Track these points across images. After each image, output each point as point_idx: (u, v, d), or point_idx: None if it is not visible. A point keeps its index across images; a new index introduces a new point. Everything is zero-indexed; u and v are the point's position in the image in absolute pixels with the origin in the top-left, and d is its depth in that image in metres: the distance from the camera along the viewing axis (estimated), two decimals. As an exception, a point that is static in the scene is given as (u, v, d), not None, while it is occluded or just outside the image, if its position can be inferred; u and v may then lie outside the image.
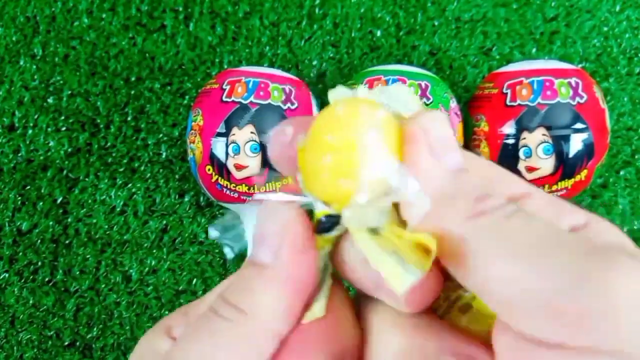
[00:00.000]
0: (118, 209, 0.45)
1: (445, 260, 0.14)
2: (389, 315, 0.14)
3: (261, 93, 0.38)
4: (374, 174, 0.14)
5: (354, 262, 0.15)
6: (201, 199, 0.45)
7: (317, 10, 0.47)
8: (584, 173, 0.38)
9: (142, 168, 0.45)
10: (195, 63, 0.47)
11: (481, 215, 0.13)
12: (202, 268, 0.45)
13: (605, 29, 0.47)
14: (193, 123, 0.40)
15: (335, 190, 0.14)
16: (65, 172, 0.45)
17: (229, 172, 0.38)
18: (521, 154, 0.38)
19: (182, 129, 0.46)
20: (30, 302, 0.44)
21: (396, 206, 0.15)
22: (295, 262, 0.14)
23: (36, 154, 0.46)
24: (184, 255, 0.45)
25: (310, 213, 0.15)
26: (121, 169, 0.45)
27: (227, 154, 0.38)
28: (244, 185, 0.38)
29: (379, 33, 0.47)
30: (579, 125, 0.37)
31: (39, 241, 0.45)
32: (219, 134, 0.38)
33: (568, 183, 0.38)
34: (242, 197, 0.39)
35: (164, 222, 0.45)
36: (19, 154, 0.46)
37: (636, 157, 0.45)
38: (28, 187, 0.45)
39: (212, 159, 0.38)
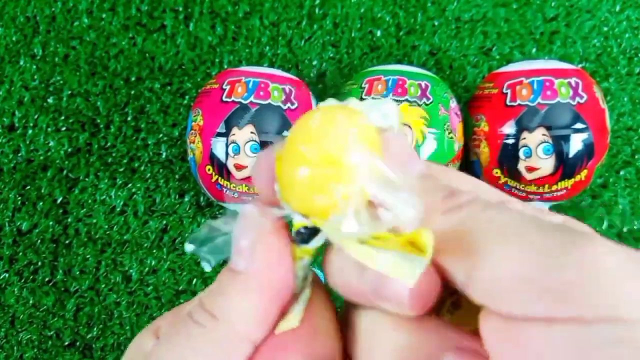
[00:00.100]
0: (118, 209, 0.45)
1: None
2: (384, 315, 0.14)
3: (261, 93, 0.38)
4: (350, 189, 0.13)
5: (348, 271, 0.14)
6: (201, 199, 0.45)
7: (317, 10, 0.47)
8: (584, 173, 0.38)
9: (142, 168, 0.45)
10: (195, 63, 0.47)
11: (457, 209, 0.13)
12: (202, 268, 0.45)
13: (605, 29, 0.47)
14: (193, 123, 0.40)
15: (311, 204, 0.14)
16: (65, 172, 0.45)
17: (229, 172, 0.38)
18: (521, 154, 0.38)
19: (182, 129, 0.46)
20: (30, 302, 0.44)
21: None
22: (268, 269, 0.14)
23: (36, 154, 0.46)
24: (184, 255, 0.45)
25: (290, 223, 0.15)
26: (121, 169, 0.45)
27: (227, 154, 0.38)
28: (244, 185, 0.38)
29: (379, 33, 0.47)
30: (579, 125, 0.37)
31: (39, 241, 0.45)
32: (219, 134, 0.38)
33: (568, 183, 0.38)
34: (242, 197, 0.39)
35: (164, 222, 0.45)
36: (19, 154, 0.46)
37: (636, 157, 0.45)
38: (28, 187, 0.45)
39: (212, 159, 0.38)
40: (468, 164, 0.42)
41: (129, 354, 0.16)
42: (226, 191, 0.39)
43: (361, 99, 0.39)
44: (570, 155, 0.37)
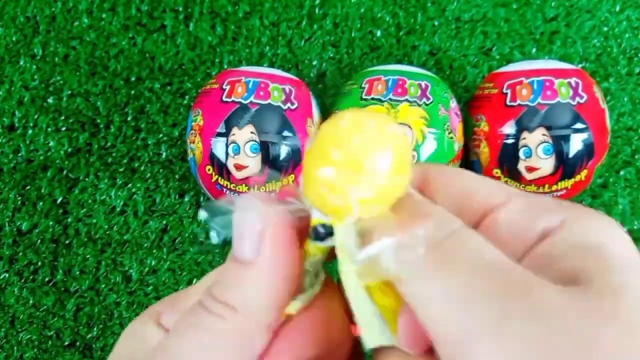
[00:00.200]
0: (118, 209, 0.45)
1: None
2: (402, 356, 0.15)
3: (261, 93, 0.38)
4: (365, 194, 0.14)
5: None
6: (201, 199, 0.45)
7: (317, 10, 0.47)
8: (584, 173, 0.38)
9: (142, 168, 0.45)
10: (195, 63, 0.47)
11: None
12: (202, 268, 0.45)
13: (605, 29, 0.47)
14: (193, 123, 0.40)
15: (326, 202, 0.14)
16: (65, 172, 0.45)
17: (229, 172, 0.38)
18: (521, 154, 0.38)
19: (182, 129, 0.46)
20: (30, 302, 0.44)
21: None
22: (278, 256, 0.15)
23: (36, 154, 0.46)
24: (184, 255, 0.45)
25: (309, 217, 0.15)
26: (121, 169, 0.45)
27: (227, 154, 0.38)
28: (244, 185, 0.38)
29: (379, 33, 0.47)
30: (579, 125, 0.37)
31: (39, 241, 0.45)
32: (219, 134, 0.38)
33: (568, 183, 0.38)
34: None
35: (164, 222, 0.45)
36: (19, 154, 0.46)
37: (636, 157, 0.45)
38: (28, 187, 0.45)
39: (212, 159, 0.38)
40: (468, 164, 0.42)
41: (125, 342, 0.16)
42: (226, 191, 0.39)
43: (361, 99, 0.39)
44: (570, 155, 0.37)
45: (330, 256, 0.16)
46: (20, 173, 0.45)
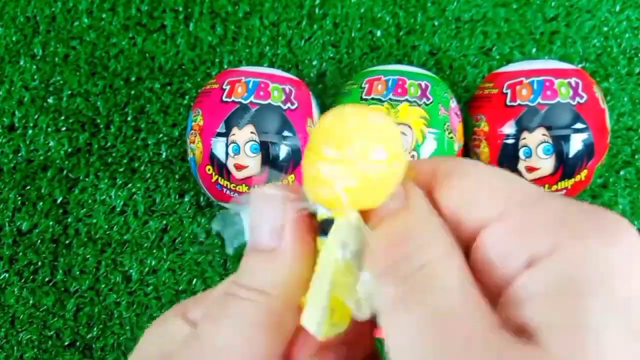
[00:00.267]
0: (118, 209, 0.45)
1: None
2: None
3: (261, 93, 0.38)
4: (350, 183, 0.14)
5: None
6: (201, 199, 0.45)
7: (317, 10, 0.47)
8: (584, 173, 0.38)
9: (142, 168, 0.45)
10: (195, 63, 0.47)
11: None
12: (202, 268, 0.45)
13: (605, 29, 0.47)
14: (193, 123, 0.40)
15: (320, 196, 0.15)
16: (65, 172, 0.45)
17: (229, 172, 0.38)
18: (521, 154, 0.38)
19: (182, 129, 0.46)
20: (30, 302, 0.44)
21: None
22: (301, 241, 0.15)
23: (36, 154, 0.46)
24: (184, 255, 0.45)
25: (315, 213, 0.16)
26: (121, 169, 0.45)
27: (227, 154, 0.38)
28: (244, 185, 0.38)
29: (379, 33, 0.47)
30: (579, 125, 0.37)
31: (39, 241, 0.45)
32: (219, 134, 0.38)
33: (568, 183, 0.38)
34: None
35: (164, 222, 0.45)
36: (19, 154, 0.46)
37: (636, 157, 0.45)
38: (28, 187, 0.45)
39: (212, 159, 0.38)
40: (468, 164, 0.42)
41: (151, 338, 0.16)
42: (226, 191, 0.39)
43: (361, 99, 0.39)
44: (570, 155, 0.37)
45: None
46: (20, 173, 0.45)
